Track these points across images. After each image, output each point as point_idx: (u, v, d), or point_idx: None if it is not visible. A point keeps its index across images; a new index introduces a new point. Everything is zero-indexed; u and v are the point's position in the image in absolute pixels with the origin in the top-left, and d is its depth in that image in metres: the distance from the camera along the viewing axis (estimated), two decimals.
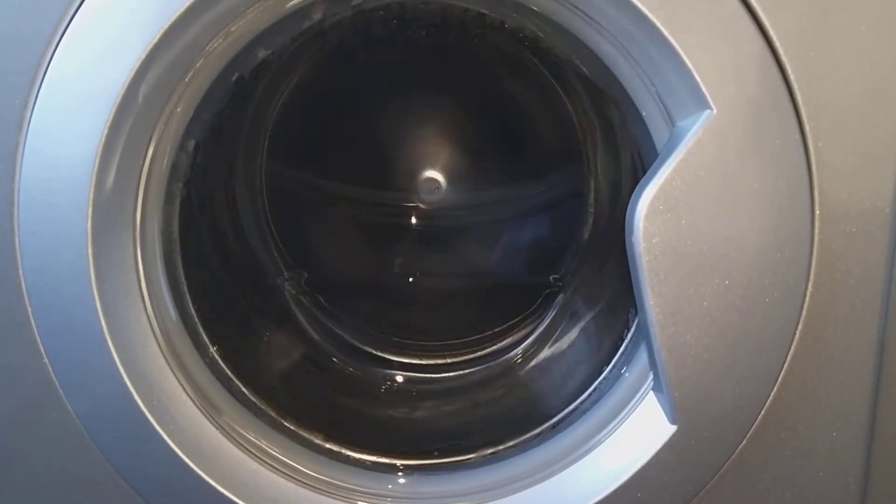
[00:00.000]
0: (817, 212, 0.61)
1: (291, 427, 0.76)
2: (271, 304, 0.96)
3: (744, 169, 0.59)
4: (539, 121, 1.00)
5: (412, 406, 0.94)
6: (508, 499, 0.68)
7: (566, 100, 0.93)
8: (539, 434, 0.75)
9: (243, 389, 0.76)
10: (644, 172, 0.64)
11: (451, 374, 0.98)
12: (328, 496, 0.69)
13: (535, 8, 0.65)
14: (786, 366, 0.64)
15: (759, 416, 0.65)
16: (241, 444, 0.69)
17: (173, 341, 0.69)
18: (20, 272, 0.64)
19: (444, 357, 1.00)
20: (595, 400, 0.73)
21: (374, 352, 0.99)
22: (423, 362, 1.00)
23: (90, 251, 0.62)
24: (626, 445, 0.66)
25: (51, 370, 0.66)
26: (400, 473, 0.75)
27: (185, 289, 0.73)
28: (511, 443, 0.76)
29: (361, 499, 0.70)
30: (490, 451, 0.76)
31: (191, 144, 0.71)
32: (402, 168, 1.02)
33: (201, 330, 0.74)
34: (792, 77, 0.59)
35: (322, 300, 1.00)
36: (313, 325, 0.98)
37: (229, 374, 0.75)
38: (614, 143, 0.88)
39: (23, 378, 0.67)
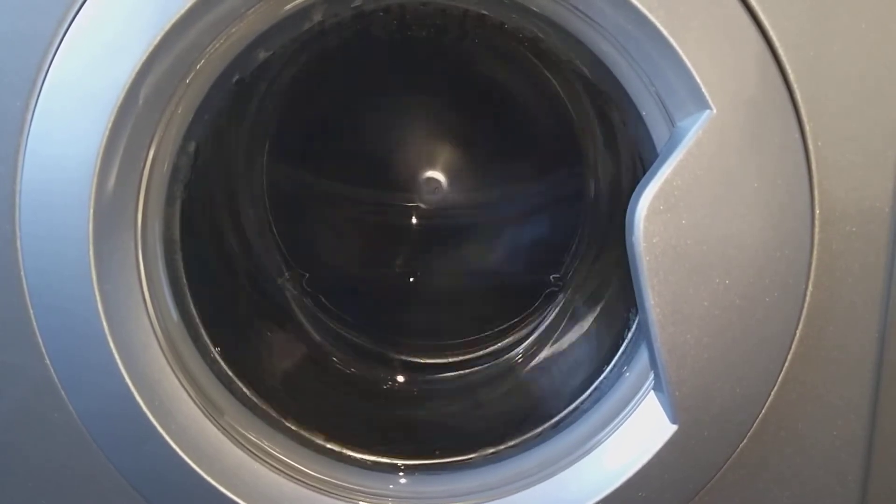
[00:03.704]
0: (817, 211, 0.61)
1: (292, 427, 0.76)
2: (272, 304, 0.96)
3: (744, 168, 0.59)
4: (539, 121, 1.00)
5: (413, 406, 0.94)
6: (510, 498, 0.68)
7: (566, 100, 0.93)
8: (540, 433, 0.76)
9: (244, 389, 0.76)
10: (644, 172, 0.64)
11: (452, 373, 0.98)
12: (329, 496, 0.69)
13: (534, 8, 0.65)
14: (786, 365, 0.64)
15: (760, 416, 0.65)
16: (243, 444, 0.69)
17: (174, 342, 0.69)
18: (22, 273, 0.64)
19: (445, 357, 1.00)
20: (596, 399, 0.73)
21: (374, 351, 0.99)
22: (424, 362, 1.00)
23: (91, 252, 0.62)
24: (626, 445, 0.66)
25: (52, 371, 0.66)
26: (401, 473, 0.75)
27: (187, 289, 0.73)
28: (512, 442, 0.76)
29: (363, 499, 0.70)
30: (491, 450, 0.76)
31: (192, 146, 0.71)
32: (403, 168, 1.02)
33: (202, 330, 0.74)
34: (791, 76, 0.59)
35: (323, 300, 1.00)
36: (314, 325, 0.98)
37: (230, 374, 0.75)
38: (614, 143, 0.88)
39: (24, 378, 0.67)
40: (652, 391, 0.66)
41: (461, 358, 1.00)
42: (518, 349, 0.96)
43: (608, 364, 0.75)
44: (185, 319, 0.72)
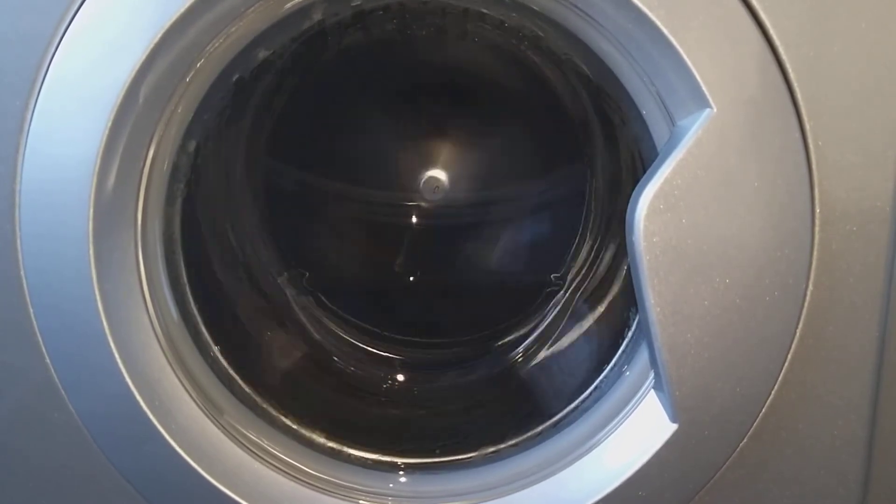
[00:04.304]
0: (817, 210, 0.61)
1: (293, 426, 0.76)
2: (272, 303, 0.96)
3: (744, 168, 0.59)
4: (539, 120, 1.00)
5: (413, 404, 0.94)
6: (509, 497, 0.68)
7: (566, 99, 0.93)
8: (540, 433, 0.76)
9: (245, 389, 0.76)
10: (644, 172, 0.64)
11: (452, 372, 0.98)
12: (329, 495, 0.69)
13: (534, 7, 0.65)
14: (786, 365, 0.64)
15: (760, 415, 0.65)
16: (243, 444, 0.69)
17: (175, 341, 0.69)
18: (22, 273, 0.64)
19: (444, 356, 1.00)
20: (596, 398, 0.73)
21: (374, 351, 0.99)
22: (424, 361, 1.00)
23: (91, 252, 0.62)
24: (627, 444, 0.67)
25: (52, 371, 0.66)
26: (401, 472, 0.75)
27: (187, 289, 0.73)
28: (512, 441, 0.76)
29: (363, 498, 0.70)
30: (491, 449, 0.76)
31: (191, 145, 0.71)
32: (404, 167, 1.02)
33: (203, 329, 0.74)
34: (792, 76, 0.59)
35: (323, 299, 1.00)
36: (314, 324, 0.98)
37: (231, 373, 0.75)
38: (614, 143, 0.88)
39: (24, 378, 0.67)
40: (652, 390, 0.66)
41: (461, 357, 1.00)
42: (518, 348, 0.96)
43: (608, 363, 0.75)
44: (185, 319, 0.72)
